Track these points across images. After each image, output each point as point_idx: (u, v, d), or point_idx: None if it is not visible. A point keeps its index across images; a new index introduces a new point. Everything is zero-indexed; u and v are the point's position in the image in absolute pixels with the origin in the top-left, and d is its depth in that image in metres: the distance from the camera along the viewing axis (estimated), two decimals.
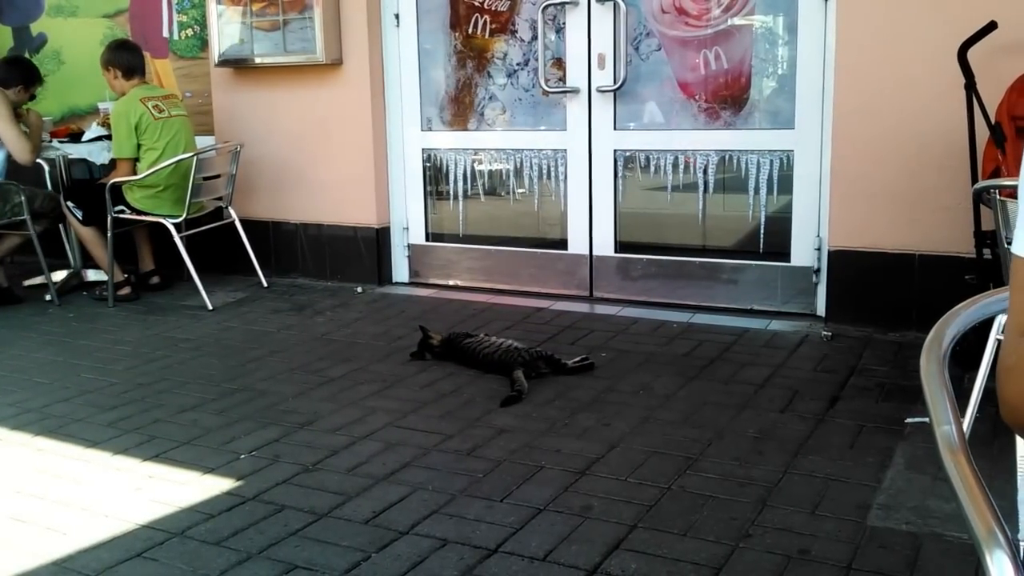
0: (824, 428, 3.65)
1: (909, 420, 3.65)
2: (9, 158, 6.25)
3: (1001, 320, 3.23)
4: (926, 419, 3.38)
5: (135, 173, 6.07)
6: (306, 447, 3.64)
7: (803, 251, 5.27)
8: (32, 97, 6.53)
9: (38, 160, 6.61)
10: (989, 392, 3.29)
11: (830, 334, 4.87)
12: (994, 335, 3.23)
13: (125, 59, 6.24)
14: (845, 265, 5.00)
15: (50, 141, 6.59)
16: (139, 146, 6.07)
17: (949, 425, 1.27)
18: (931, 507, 2.96)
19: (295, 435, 3.77)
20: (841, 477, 3.21)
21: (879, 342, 4.75)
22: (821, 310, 5.21)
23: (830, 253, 5.06)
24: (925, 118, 4.69)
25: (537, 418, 3.87)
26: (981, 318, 1.53)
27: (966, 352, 3.70)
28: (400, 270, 6.58)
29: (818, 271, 5.22)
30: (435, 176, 6.43)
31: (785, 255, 5.33)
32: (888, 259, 4.86)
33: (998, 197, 3.25)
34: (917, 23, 4.67)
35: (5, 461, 3.63)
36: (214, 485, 3.32)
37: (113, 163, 6.23)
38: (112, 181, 6.02)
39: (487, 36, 6.06)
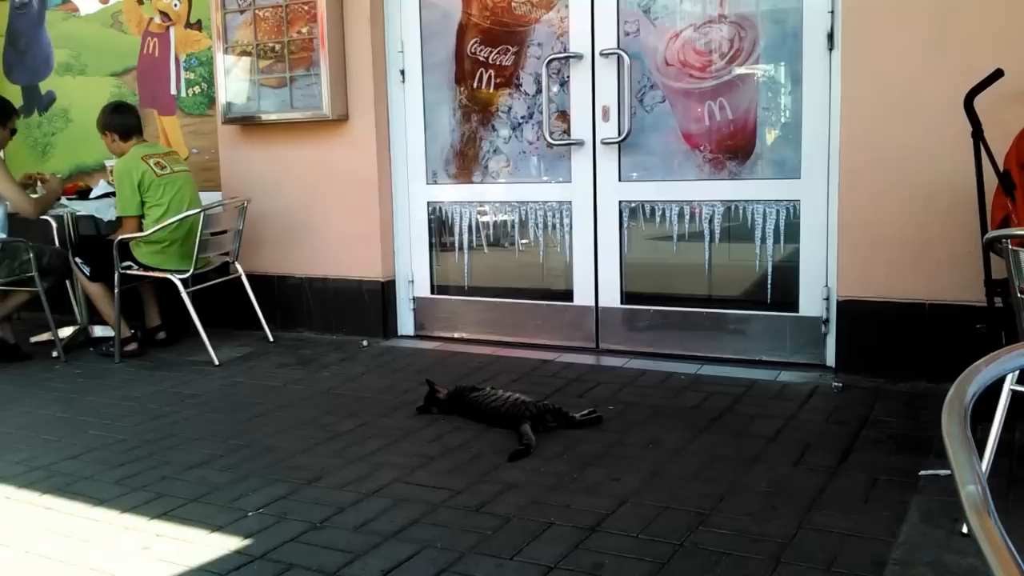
0: (837, 482, 3.61)
1: (923, 473, 3.61)
2: (12, 214, 6.25)
3: (1016, 372, 3.21)
4: (940, 472, 3.35)
5: (141, 229, 6.08)
6: (314, 504, 3.61)
7: (811, 301, 5.25)
8: (13, 132, 6.48)
9: (45, 217, 6.62)
10: (1003, 445, 3.27)
11: (840, 385, 4.84)
12: (1008, 386, 3.21)
13: (120, 121, 6.29)
14: (854, 315, 4.98)
15: (59, 199, 6.60)
16: (143, 203, 6.09)
17: (975, 485, 1.25)
18: (948, 562, 2.92)
19: (303, 492, 3.74)
20: (856, 532, 3.17)
21: (890, 392, 4.72)
22: (831, 361, 5.19)
23: (839, 303, 5.04)
24: (932, 166, 4.70)
25: (545, 473, 3.83)
26: (1001, 374, 1.51)
27: (978, 402, 3.68)
28: (405, 323, 6.57)
29: (827, 321, 5.20)
30: (440, 229, 6.44)
31: (793, 305, 5.32)
32: (898, 308, 4.85)
33: (1010, 247, 3.23)
34: (923, 71, 4.68)
35: (13, 520, 3.60)
36: (222, 543, 3.29)
37: (120, 220, 6.23)
38: (120, 238, 6.03)
39: (492, 90, 6.09)
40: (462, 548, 3.17)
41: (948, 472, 3.55)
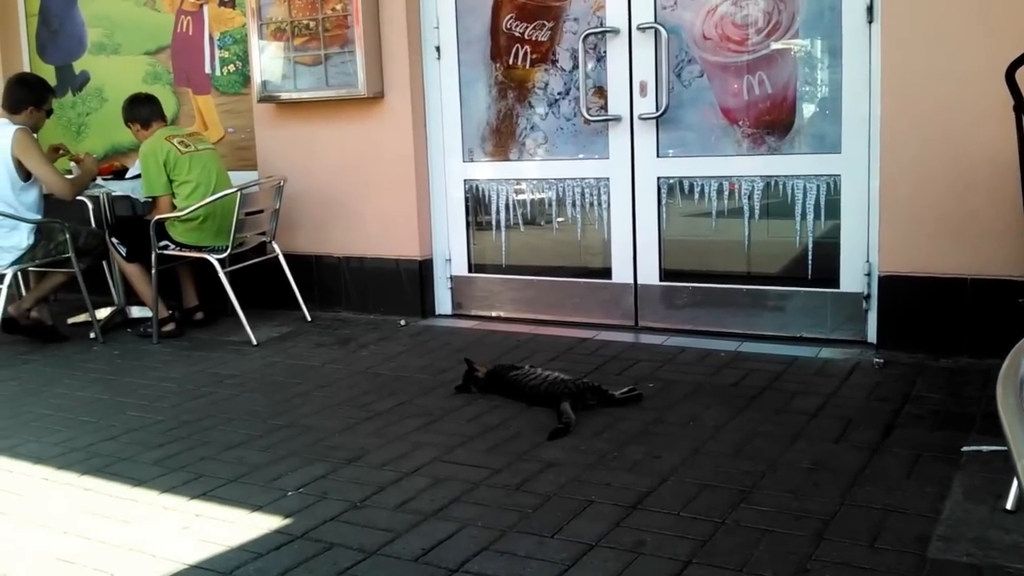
0: (880, 458, 3.58)
1: (966, 448, 3.57)
2: (47, 196, 6.28)
3: None
4: (983, 448, 3.31)
5: (174, 208, 6.10)
6: (353, 483, 3.61)
7: (852, 277, 5.19)
8: (49, 112, 6.49)
9: (81, 198, 6.65)
10: None
11: (882, 361, 4.79)
12: None
13: (140, 113, 6.41)
14: (896, 290, 4.93)
15: (94, 179, 6.61)
16: (171, 181, 6.13)
17: None
18: (992, 538, 2.88)
19: (342, 471, 3.74)
20: (899, 508, 3.14)
21: (932, 368, 4.67)
22: (872, 337, 5.13)
23: (880, 278, 4.98)
24: (973, 140, 4.63)
25: (585, 451, 3.81)
26: None
27: None
28: (443, 302, 6.56)
29: (868, 297, 5.14)
30: (477, 207, 6.42)
31: (834, 281, 5.26)
32: (939, 283, 4.79)
33: None
34: (964, 44, 4.61)
35: (52, 501, 3.62)
36: (262, 523, 3.29)
37: (154, 201, 6.24)
38: (156, 218, 6.05)
39: (528, 66, 6.05)
40: (503, 526, 3.16)
41: (991, 448, 3.53)
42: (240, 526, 3.28)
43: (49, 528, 3.36)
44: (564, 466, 3.66)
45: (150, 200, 6.28)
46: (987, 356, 4.58)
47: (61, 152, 6.60)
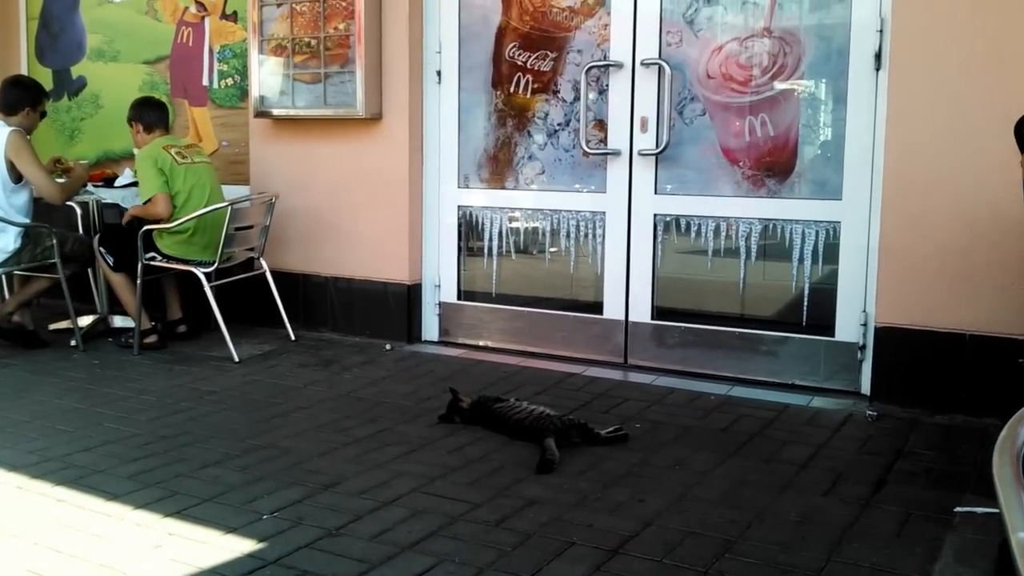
0: (869, 514, 3.51)
1: (959, 509, 3.50)
2: (37, 199, 6.23)
3: None
4: (976, 509, 3.25)
5: (173, 208, 6.06)
6: (330, 510, 3.53)
7: (848, 326, 5.13)
8: (43, 115, 6.46)
9: (71, 203, 6.58)
10: None
11: (875, 414, 4.72)
12: None
13: (147, 116, 6.37)
14: (892, 342, 4.86)
15: (84, 185, 6.54)
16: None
17: None
18: None
19: (319, 497, 3.67)
20: (887, 568, 3.06)
21: (926, 424, 4.60)
22: (866, 388, 5.05)
23: (876, 329, 4.92)
24: (978, 193, 4.58)
25: (568, 490, 3.74)
26: None
27: None
28: (430, 328, 6.48)
29: (863, 347, 5.08)
30: (469, 234, 6.35)
31: (829, 329, 5.19)
32: (937, 338, 4.72)
33: None
34: (972, 95, 4.57)
35: (24, 511, 3.55)
36: (235, 546, 3.21)
37: (151, 200, 6.15)
38: (145, 228, 5.98)
39: (529, 95, 6.01)
40: (480, 564, 3.08)
41: (985, 510, 3.46)
42: (213, 547, 3.21)
43: (20, 538, 3.30)
44: (546, 504, 3.59)
45: (147, 203, 6.20)
46: (984, 415, 4.51)
47: (62, 165, 6.55)
